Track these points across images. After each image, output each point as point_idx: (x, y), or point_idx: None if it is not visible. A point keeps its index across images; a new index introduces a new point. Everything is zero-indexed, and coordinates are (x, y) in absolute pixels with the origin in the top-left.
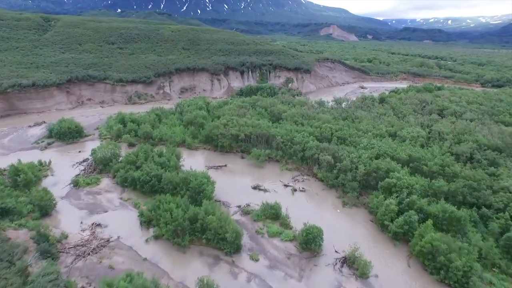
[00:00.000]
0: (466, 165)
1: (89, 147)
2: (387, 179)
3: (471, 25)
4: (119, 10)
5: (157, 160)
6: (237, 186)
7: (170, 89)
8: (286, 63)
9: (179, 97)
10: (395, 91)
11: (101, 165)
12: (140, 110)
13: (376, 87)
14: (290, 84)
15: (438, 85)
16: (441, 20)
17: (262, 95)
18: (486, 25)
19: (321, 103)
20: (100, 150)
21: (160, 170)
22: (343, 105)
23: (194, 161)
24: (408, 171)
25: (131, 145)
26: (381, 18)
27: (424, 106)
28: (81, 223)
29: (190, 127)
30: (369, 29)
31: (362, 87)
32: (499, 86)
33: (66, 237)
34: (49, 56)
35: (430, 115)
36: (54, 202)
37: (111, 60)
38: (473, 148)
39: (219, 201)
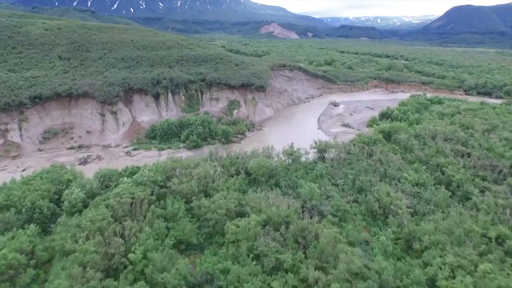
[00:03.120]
0: None
1: None
2: None
3: (397, 23)
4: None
5: None
6: None
7: (21, 135)
8: (227, 77)
9: (40, 149)
10: (389, 113)
11: None
12: None
13: (351, 103)
14: (235, 111)
15: (427, 95)
16: (371, 19)
17: (190, 137)
18: (409, 24)
19: (295, 156)
20: None
21: None
22: (333, 155)
23: None
24: None
25: None
26: (317, 16)
27: (469, 153)
28: None
29: None
30: (308, 27)
31: (334, 104)
32: (486, 94)
33: None
34: None
35: (503, 178)
36: None
37: None
38: None
39: None
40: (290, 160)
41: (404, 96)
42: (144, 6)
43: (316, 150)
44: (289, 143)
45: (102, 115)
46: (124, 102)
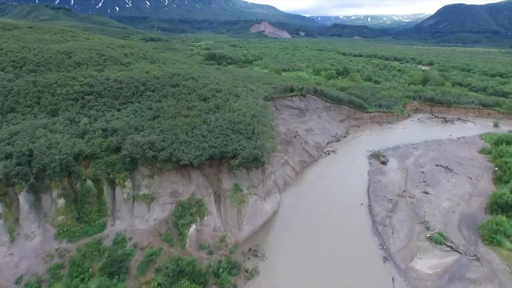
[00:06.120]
0: None
1: None
2: None
3: (387, 22)
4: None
5: None
6: None
7: None
8: (177, 140)
9: None
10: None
11: None
12: None
13: (402, 152)
14: (192, 227)
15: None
16: (362, 18)
17: None
18: (399, 23)
19: None
20: None
21: None
22: None
23: None
24: None
25: None
26: (307, 15)
27: None
28: None
29: None
30: (300, 26)
31: (381, 161)
32: None
33: None
34: None
35: None
36: None
37: None
38: None
39: None
40: None
41: (467, 128)
42: (131, 4)
43: None
44: None
45: None
46: None
